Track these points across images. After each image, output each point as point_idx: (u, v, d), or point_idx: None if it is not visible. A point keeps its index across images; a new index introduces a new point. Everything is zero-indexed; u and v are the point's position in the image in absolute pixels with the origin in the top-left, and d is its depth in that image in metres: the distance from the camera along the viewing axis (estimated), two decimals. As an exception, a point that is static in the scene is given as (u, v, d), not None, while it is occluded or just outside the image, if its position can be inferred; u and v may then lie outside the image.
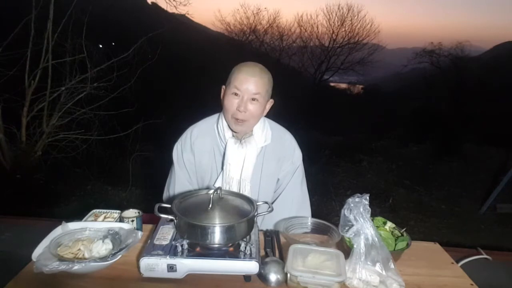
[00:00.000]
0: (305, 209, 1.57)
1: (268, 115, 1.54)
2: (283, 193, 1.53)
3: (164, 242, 1.10)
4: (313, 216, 1.47)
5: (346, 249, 1.18)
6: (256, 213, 1.15)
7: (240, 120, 1.34)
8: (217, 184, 1.45)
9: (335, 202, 4.70)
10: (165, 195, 1.59)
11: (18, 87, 4.42)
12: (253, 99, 1.33)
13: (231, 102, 1.34)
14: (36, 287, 1.03)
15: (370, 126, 10.90)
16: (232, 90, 1.33)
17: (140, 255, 1.05)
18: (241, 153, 1.40)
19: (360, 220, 1.09)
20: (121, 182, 4.72)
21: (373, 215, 1.16)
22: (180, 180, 1.52)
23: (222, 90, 1.41)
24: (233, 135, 1.43)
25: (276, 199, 1.54)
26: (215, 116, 1.51)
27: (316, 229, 1.36)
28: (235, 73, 1.34)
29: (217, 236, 1.06)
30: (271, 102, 1.43)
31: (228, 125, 1.41)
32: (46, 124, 4.64)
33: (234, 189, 1.43)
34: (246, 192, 1.43)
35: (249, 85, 1.31)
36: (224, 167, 1.42)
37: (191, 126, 1.52)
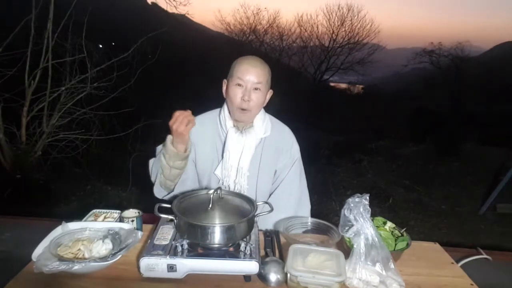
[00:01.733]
0: (304, 206, 1.58)
1: (268, 113, 1.56)
2: (281, 187, 1.55)
3: (164, 242, 1.10)
4: (313, 216, 1.47)
5: (346, 249, 1.18)
6: (256, 213, 1.15)
7: (245, 109, 1.40)
8: (217, 172, 1.48)
9: (335, 202, 4.70)
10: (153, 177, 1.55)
11: (18, 87, 4.41)
12: (256, 88, 1.39)
13: (235, 92, 1.40)
14: (36, 287, 1.03)
15: (370, 126, 10.90)
16: (236, 81, 1.39)
17: (140, 255, 1.05)
18: (241, 141, 1.45)
19: (360, 220, 1.09)
20: (121, 182, 4.71)
21: (373, 215, 1.16)
22: None
23: (224, 84, 1.48)
24: (234, 125, 1.47)
25: (274, 192, 1.56)
26: (218, 109, 1.57)
27: (316, 229, 1.36)
28: (237, 65, 1.40)
29: (217, 236, 1.06)
30: (270, 93, 1.49)
31: (231, 115, 1.47)
32: (46, 124, 4.63)
33: (232, 176, 1.47)
34: (244, 180, 1.47)
35: (251, 75, 1.38)
36: (224, 155, 1.46)
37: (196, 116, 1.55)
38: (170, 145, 1.36)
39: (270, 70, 1.45)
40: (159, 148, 1.55)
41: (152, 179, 1.54)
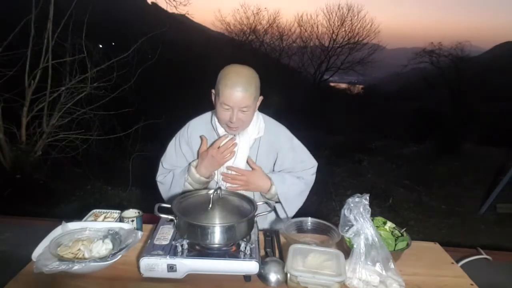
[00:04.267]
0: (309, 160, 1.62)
1: (268, 114, 1.56)
2: (296, 167, 1.57)
3: (164, 242, 1.10)
4: (313, 216, 1.47)
5: (346, 249, 1.18)
6: (256, 213, 1.15)
7: (234, 127, 1.39)
8: (215, 173, 1.48)
9: (335, 202, 4.70)
10: (161, 178, 1.59)
11: (18, 87, 4.41)
12: (243, 110, 1.34)
13: (222, 113, 1.36)
14: (36, 287, 1.03)
15: (370, 126, 10.90)
16: (222, 103, 1.34)
17: (140, 255, 1.05)
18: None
19: (360, 220, 1.09)
20: (121, 182, 4.71)
21: (373, 215, 1.16)
22: (178, 166, 1.57)
23: (212, 94, 1.42)
24: (226, 130, 1.47)
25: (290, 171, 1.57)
26: (212, 112, 1.55)
27: (316, 229, 1.36)
28: (222, 86, 1.32)
29: (217, 236, 1.06)
30: (260, 99, 1.44)
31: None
32: (46, 124, 4.63)
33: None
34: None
35: (236, 100, 1.31)
36: None
37: (189, 121, 1.58)
38: (196, 174, 1.42)
39: (258, 82, 1.37)
40: (164, 163, 1.57)
41: (164, 196, 1.58)
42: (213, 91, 1.42)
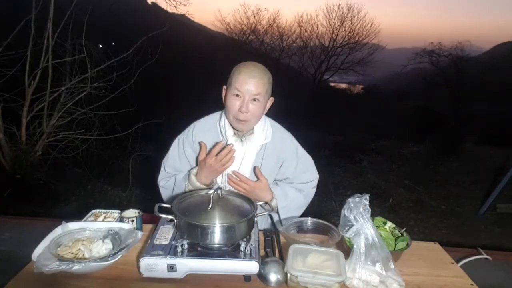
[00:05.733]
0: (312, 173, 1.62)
1: (268, 115, 1.55)
2: (300, 178, 1.57)
3: (164, 242, 1.10)
4: (313, 216, 1.47)
5: (346, 249, 1.18)
6: (256, 213, 1.15)
7: (242, 120, 1.36)
8: (217, 179, 1.47)
9: (335, 202, 4.70)
10: (163, 183, 1.56)
11: (18, 87, 4.41)
12: (254, 100, 1.35)
13: (232, 103, 1.36)
14: (36, 287, 1.03)
15: (370, 126, 10.90)
16: (233, 91, 1.35)
17: (140, 255, 1.05)
18: (241, 150, 1.43)
19: (360, 220, 1.09)
20: (121, 182, 4.71)
21: (373, 215, 1.16)
22: (180, 170, 1.54)
23: (224, 90, 1.43)
24: (234, 133, 1.45)
25: (294, 182, 1.56)
26: (218, 113, 1.54)
27: (316, 229, 1.36)
28: (236, 75, 1.35)
29: (217, 236, 1.06)
30: (271, 100, 1.45)
31: (230, 124, 1.44)
32: (46, 124, 4.63)
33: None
34: None
35: (250, 86, 1.32)
36: None
37: (194, 122, 1.55)
38: (196, 182, 1.39)
39: (271, 78, 1.39)
40: (166, 166, 1.55)
41: (164, 197, 1.56)
42: (224, 87, 1.42)
